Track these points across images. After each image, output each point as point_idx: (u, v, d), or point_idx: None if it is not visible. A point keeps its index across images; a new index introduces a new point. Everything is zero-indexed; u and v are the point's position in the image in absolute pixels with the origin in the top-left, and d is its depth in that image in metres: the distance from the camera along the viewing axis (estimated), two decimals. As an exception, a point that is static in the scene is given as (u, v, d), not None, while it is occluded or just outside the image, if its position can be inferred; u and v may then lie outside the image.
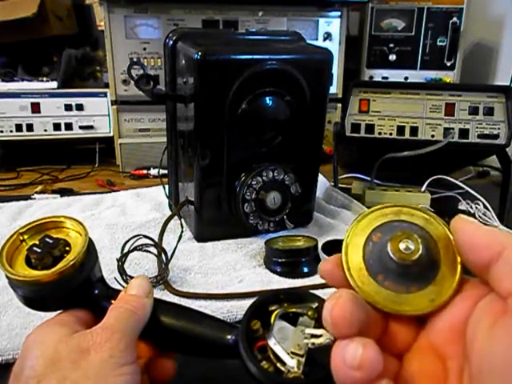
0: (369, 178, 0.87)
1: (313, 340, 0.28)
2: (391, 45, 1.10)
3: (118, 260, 0.56)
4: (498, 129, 0.81)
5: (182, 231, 0.65)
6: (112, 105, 0.98)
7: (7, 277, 0.32)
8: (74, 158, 1.05)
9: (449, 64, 1.11)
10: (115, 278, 0.53)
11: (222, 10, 0.97)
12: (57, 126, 0.99)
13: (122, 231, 0.69)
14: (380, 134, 0.84)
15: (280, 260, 0.61)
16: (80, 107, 0.99)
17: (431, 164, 0.87)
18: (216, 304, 0.53)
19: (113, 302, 0.35)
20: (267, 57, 0.60)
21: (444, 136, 0.82)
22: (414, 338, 0.27)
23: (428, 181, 0.85)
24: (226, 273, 0.61)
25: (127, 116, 0.99)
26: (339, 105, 1.05)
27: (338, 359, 0.24)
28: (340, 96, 1.06)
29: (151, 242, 0.59)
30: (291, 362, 0.28)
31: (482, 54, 1.24)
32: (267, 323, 0.31)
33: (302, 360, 0.29)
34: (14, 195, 0.86)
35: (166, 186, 0.76)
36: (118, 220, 0.73)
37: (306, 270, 0.60)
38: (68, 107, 0.98)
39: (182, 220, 0.67)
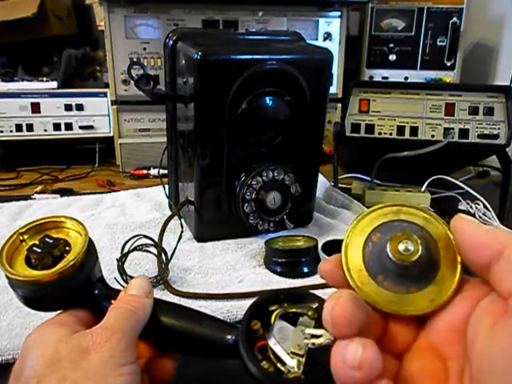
0: (369, 178, 0.87)
1: (313, 340, 0.28)
2: (391, 45, 1.10)
3: (117, 260, 0.56)
4: (498, 129, 0.81)
5: (182, 231, 0.65)
6: (112, 105, 0.98)
7: (7, 277, 0.32)
8: (74, 158, 1.05)
9: (449, 64, 1.11)
10: (115, 278, 0.53)
11: (222, 9, 0.97)
12: (57, 126, 0.99)
13: (122, 231, 0.69)
14: (380, 133, 0.84)
15: (280, 260, 0.61)
16: (80, 107, 0.99)
17: (431, 164, 0.87)
18: (216, 304, 0.53)
19: (113, 301, 0.35)
20: (267, 57, 0.60)
21: (444, 136, 0.82)
22: (414, 338, 0.27)
23: (428, 181, 0.85)
24: (226, 273, 0.61)
25: (127, 116, 0.99)
26: (339, 105, 1.05)
27: (338, 359, 0.24)
28: (340, 96, 1.06)
29: (151, 242, 0.59)
30: (291, 362, 0.28)
31: (482, 54, 1.24)
32: (267, 323, 0.31)
33: (302, 360, 0.29)
34: (14, 195, 0.86)
35: (166, 186, 0.76)
36: (117, 220, 0.73)
37: (306, 269, 0.60)
38: (68, 107, 0.98)
39: (182, 220, 0.67)
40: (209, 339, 0.34)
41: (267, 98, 0.62)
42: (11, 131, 0.97)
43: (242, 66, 0.59)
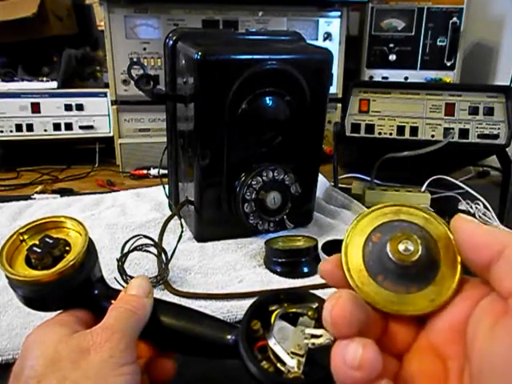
0: (369, 178, 0.87)
1: (313, 340, 0.28)
2: (391, 45, 1.10)
3: (117, 260, 0.56)
4: (498, 129, 0.81)
5: (182, 231, 0.65)
6: (112, 105, 0.98)
7: (7, 277, 0.32)
8: (74, 158, 1.05)
9: (449, 64, 1.11)
10: (115, 278, 0.53)
11: (222, 9, 0.97)
12: (57, 126, 0.99)
13: (122, 231, 0.69)
14: (380, 133, 0.84)
15: (280, 260, 0.61)
16: (80, 107, 0.99)
17: (431, 164, 0.87)
18: (216, 304, 0.53)
19: (113, 301, 0.35)
20: (267, 57, 0.60)
21: (444, 136, 0.82)
22: (414, 338, 0.27)
23: (428, 181, 0.85)
24: (226, 273, 0.61)
25: (127, 116, 0.99)
26: (339, 105, 1.05)
27: (338, 359, 0.24)
28: (340, 96, 1.06)
29: (151, 242, 0.59)
30: (291, 362, 0.28)
31: (482, 54, 1.24)
32: (267, 323, 0.31)
33: (302, 360, 0.29)
34: (14, 195, 0.86)
35: (166, 186, 0.76)
36: (117, 220, 0.73)
37: (306, 269, 0.60)
38: (68, 107, 0.98)
39: (182, 220, 0.67)
40: (209, 339, 0.34)
41: (267, 98, 0.62)
42: (11, 131, 0.97)
43: (242, 66, 0.59)
